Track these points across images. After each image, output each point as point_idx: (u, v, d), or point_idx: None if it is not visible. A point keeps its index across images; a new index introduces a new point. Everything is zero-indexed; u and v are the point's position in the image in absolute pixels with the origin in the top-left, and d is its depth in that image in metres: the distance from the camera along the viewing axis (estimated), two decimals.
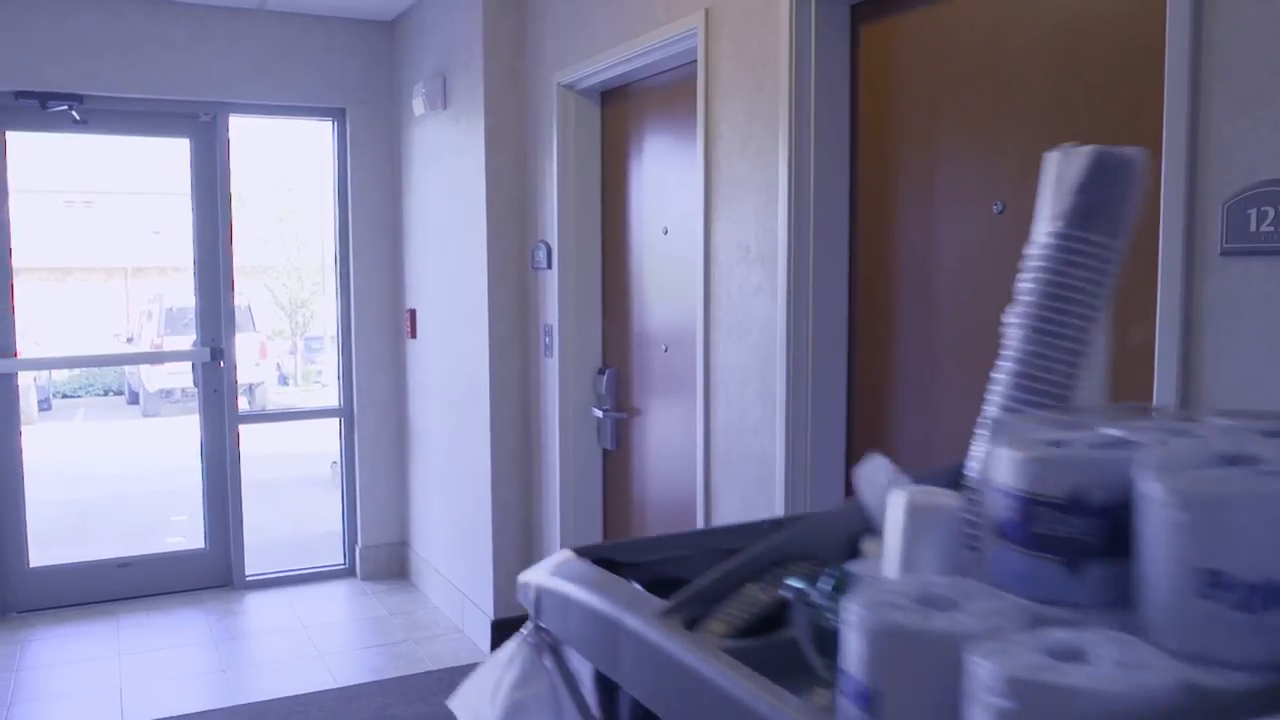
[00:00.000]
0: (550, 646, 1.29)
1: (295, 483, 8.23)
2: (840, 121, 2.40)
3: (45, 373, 13.38)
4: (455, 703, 1.38)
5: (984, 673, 0.72)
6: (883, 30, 2.31)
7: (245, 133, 5.00)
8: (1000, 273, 2.01)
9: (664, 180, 3.19)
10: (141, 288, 16.08)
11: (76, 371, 14.75)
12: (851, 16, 2.38)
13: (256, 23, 4.63)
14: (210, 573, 4.85)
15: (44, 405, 13.25)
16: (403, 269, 4.90)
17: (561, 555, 1.33)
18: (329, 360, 7.23)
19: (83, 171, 15.25)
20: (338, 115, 4.90)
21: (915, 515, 1.01)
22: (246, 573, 4.86)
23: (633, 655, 1.08)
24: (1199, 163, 1.49)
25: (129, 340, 14.52)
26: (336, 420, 5.10)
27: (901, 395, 2.30)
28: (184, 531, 5.87)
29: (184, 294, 5.16)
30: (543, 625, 1.29)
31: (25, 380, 11.50)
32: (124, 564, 4.77)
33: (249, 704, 3.59)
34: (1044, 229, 1.04)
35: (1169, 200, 1.53)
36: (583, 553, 1.31)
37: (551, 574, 1.29)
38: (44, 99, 4.30)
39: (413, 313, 4.75)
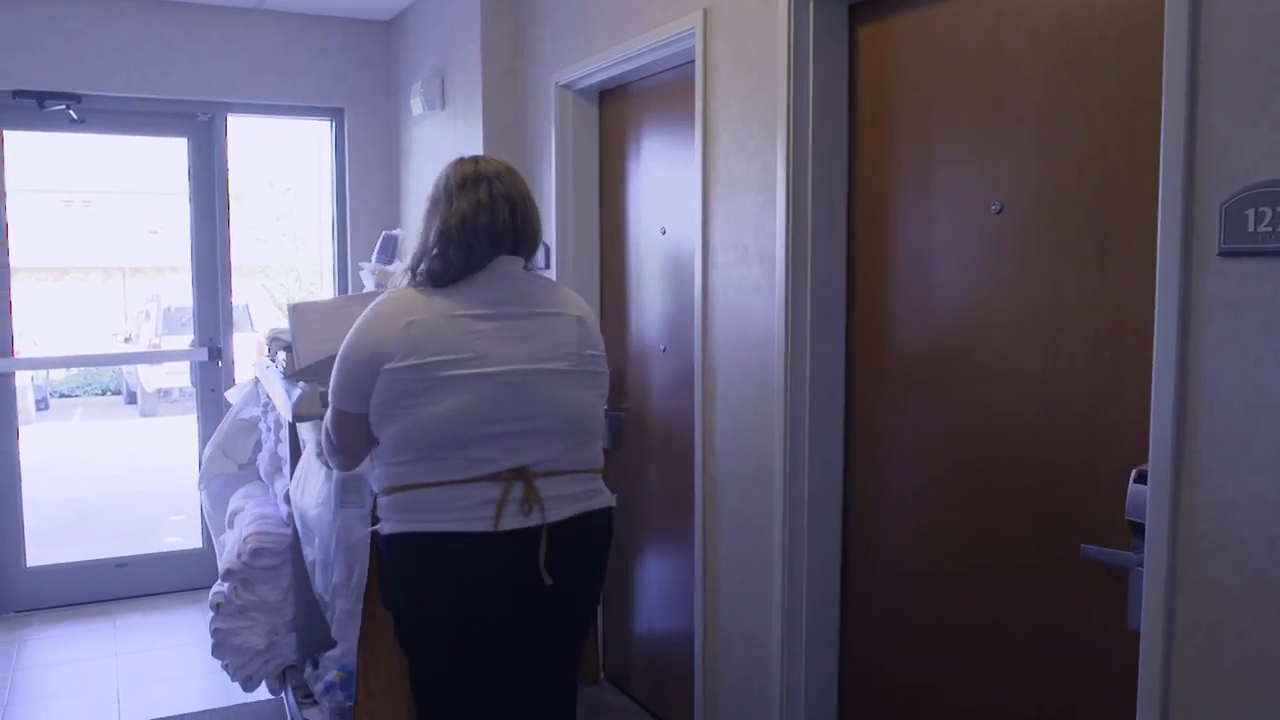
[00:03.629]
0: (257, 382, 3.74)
1: None
2: (838, 121, 2.40)
3: (43, 372, 13.36)
4: (228, 393, 4.14)
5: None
6: (881, 30, 2.31)
7: (243, 132, 5.00)
8: (998, 272, 2.01)
9: (662, 180, 3.18)
10: (139, 287, 16.05)
11: (74, 371, 14.73)
12: (850, 16, 2.38)
13: (254, 22, 4.63)
14: (208, 572, 4.82)
15: (41, 405, 13.23)
16: None
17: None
18: None
19: (80, 171, 15.21)
20: (336, 115, 4.90)
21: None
22: None
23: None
24: (1197, 163, 1.49)
25: (127, 340, 14.49)
26: None
27: (899, 393, 2.30)
28: (181, 531, 5.86)
29: (182, 293, 5.16)
30: (257, 377, 3.66)
31: (23, 380, 11.46)
32: (121, 564, 4.77)
33: (246, 704, 3.59)
34: (373, 259, 3.64)
35: (1167, 201, 1.52)
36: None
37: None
38: (41, 98, 4.29)
39: None
